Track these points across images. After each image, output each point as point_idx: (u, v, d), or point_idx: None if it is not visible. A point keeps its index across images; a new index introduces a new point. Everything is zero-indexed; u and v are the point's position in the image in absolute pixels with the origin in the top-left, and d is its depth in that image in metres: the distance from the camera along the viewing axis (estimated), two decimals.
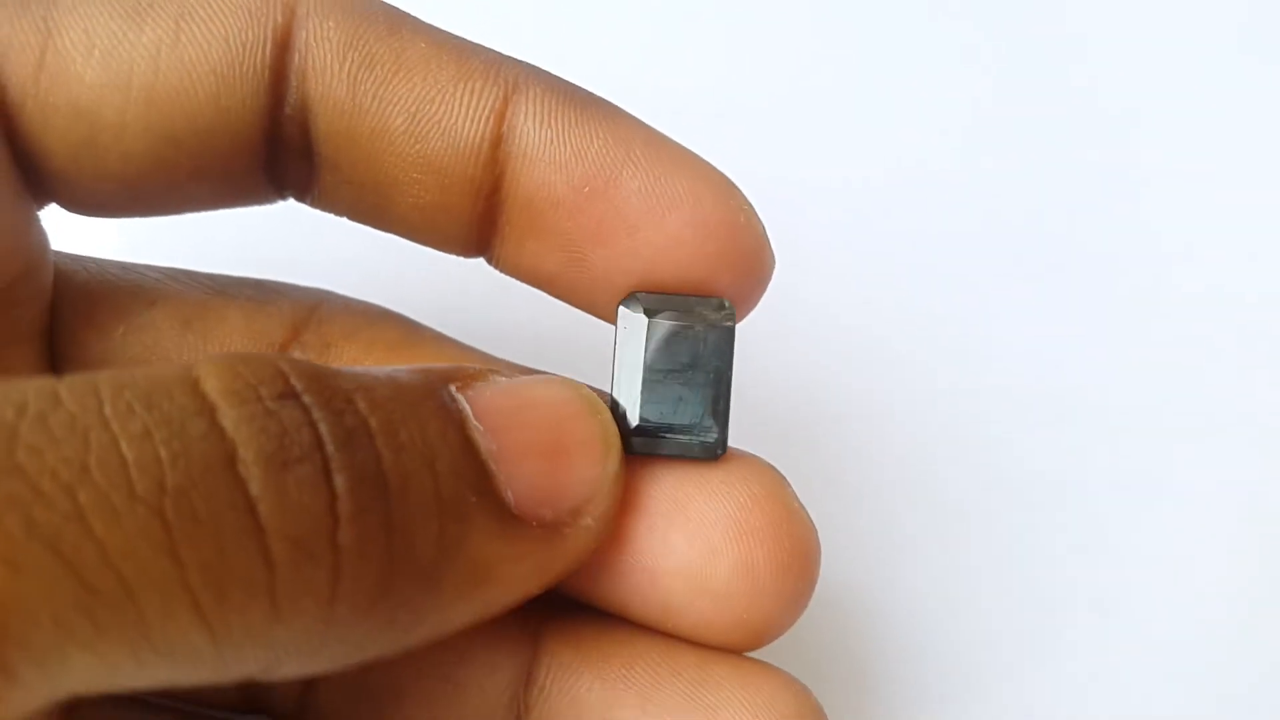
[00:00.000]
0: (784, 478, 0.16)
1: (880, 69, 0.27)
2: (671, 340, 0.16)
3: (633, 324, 0.16)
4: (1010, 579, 0.23)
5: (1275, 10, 0.27)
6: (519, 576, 0.14)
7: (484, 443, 0.13)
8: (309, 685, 0.17)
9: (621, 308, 0.16)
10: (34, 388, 0.11)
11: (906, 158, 0.26)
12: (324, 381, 0.12)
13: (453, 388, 0.14)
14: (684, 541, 0.16)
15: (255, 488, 0.11)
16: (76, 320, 0.17)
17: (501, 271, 0.17)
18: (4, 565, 0.10)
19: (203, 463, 0.11)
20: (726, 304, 0.16)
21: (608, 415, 0.15)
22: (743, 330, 0.17)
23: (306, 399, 0.12)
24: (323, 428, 0.12)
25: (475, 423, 0.14)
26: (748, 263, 0.16)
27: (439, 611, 0.13)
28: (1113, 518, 0.23)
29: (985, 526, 0.23)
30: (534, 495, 0.14)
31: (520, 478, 0.14)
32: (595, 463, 0.15)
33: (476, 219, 0.16)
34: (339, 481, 0.12)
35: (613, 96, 0.16)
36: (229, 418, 0.11)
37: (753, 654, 0.17)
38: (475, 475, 0.13)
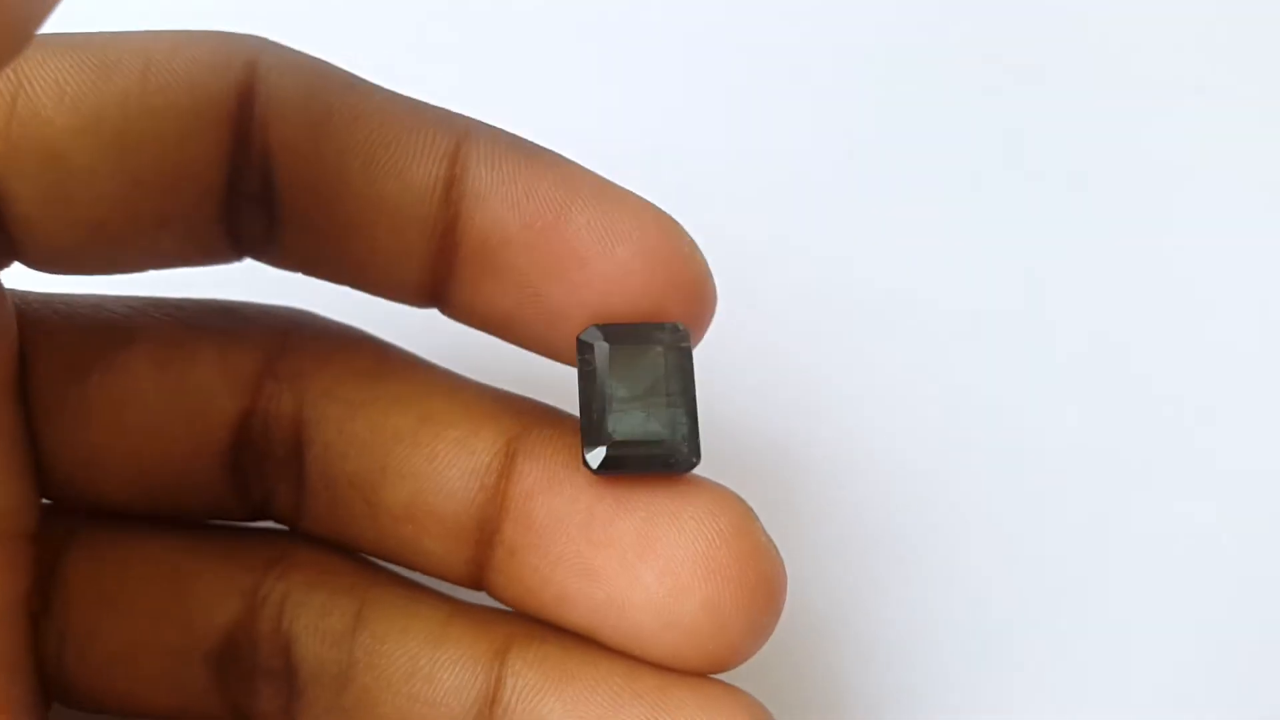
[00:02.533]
0: (752, 510, 0.17)
1: (846, 94, 0.27)
2: (632, 365, 0.16)
3: (592, 354, 0.16)
4: (978, 603, 0.23)
5: None
6: None
7: None
8: (291, 700, 0.18)
9: (580, 339, 0.16)
10: None
11: (879, 180, 0.26)
12: None
13: None
14: (653, 578, 0.16)
15: None
16: (51, 368, 0.17)
17: (456, 319, 0.18)
18: None
19: None
20: (681, 327, 0.17)
21: None
22: (709, 355, 0.18)
23: None
24: None
25: None
26: (694, 291, 0.17)
27: None
28: (1085, 551, 0.24)
29: (954, 553, 0.24)
30: None
31: None
32: None
33: (431, 261, 0.17)
34: None
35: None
36: None
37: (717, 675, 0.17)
38: None
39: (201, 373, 0.17)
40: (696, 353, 0.17)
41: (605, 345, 0.16)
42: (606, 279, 0.16)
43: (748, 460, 0.24)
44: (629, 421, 0.16)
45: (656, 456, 0.16)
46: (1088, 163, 0.27)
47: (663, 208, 0.17)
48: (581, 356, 0.16)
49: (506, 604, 0.18)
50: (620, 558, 0.16)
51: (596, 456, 0.16)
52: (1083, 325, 0.25)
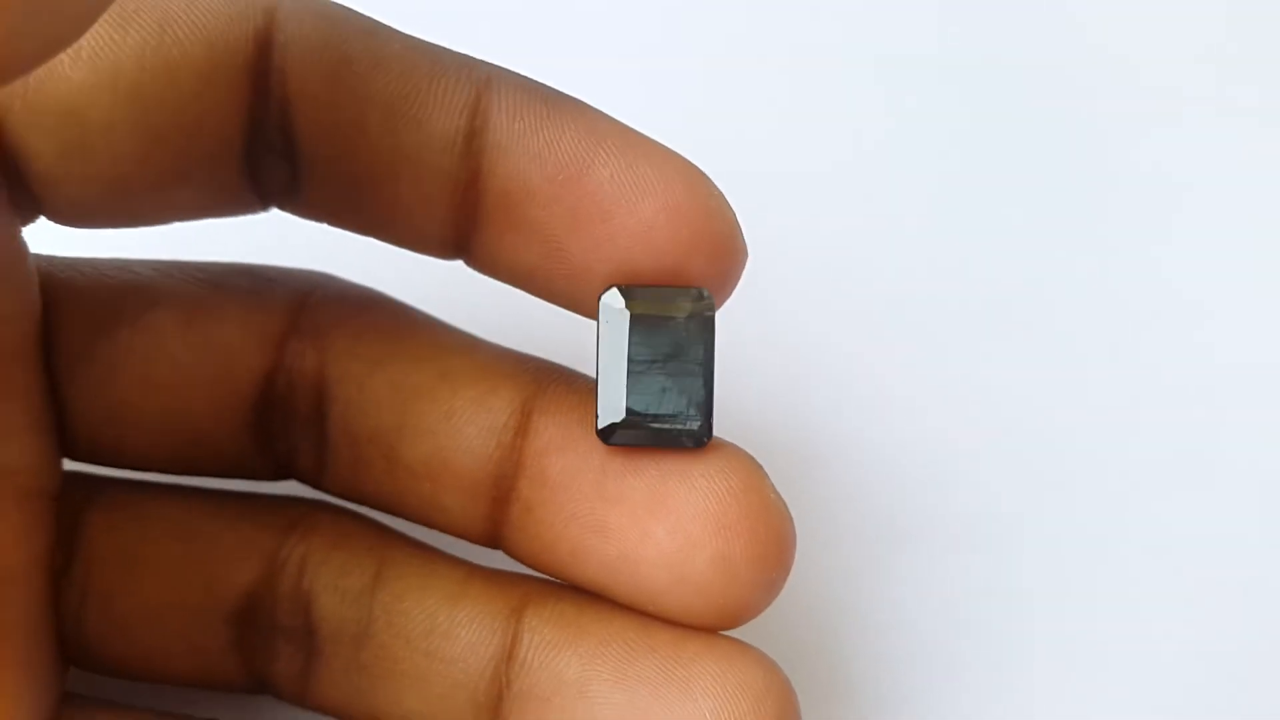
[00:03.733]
0: (762, 468, 0.17)
1: (875, 85, 0.27)
2: (653, 331, 0.16)
3: (614, 317, 0.16)
4: (987, 592, 0.24)
5: None
6: None
7: None
8: (308, 663, 0.18)
9: (602, 301, 0.16)
10: None
11: (902, 173, 0.27)
12: None
13: None
14: (664, 534, 0.16)
15: None
16: (78, 327, 0.17)
17: (481, 272, 0.18)
18: None
19: None
20: (705, 294, 0.16)
21: None
22: (729, 321, 0.18)
23: None
24: None
25: None
26: (720, 247, 0.16)
27: None
28: (1096, 545, 0.24)
29: (965, 543, 0.24)
30: None
31: None
32: None
33: (454, 214, 0.17)
34: None
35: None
36: None
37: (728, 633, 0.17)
38: None
39: (227, 330, 0.18)
40: (720, 322, 0.17)
41: (625, 311, 0.16)
42: (630, 234, 0.16)
43: (761, 438, 0.24)
44: (644, 394, 0.16)
45: (669, 432, 0.16)
46: (1098, 166, 0.27)
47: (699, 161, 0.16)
48: (601, 319, 0.16)
49: (522, 561, 0.18)
50: (632, 514, 0.17)
51: (609, 430, 0.16)
52: (1100, 326, 0.26)
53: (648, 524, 0.17)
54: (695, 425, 0.16)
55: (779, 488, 0.17)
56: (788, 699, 0.17)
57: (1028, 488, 0.24)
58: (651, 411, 0.16)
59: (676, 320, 0.16)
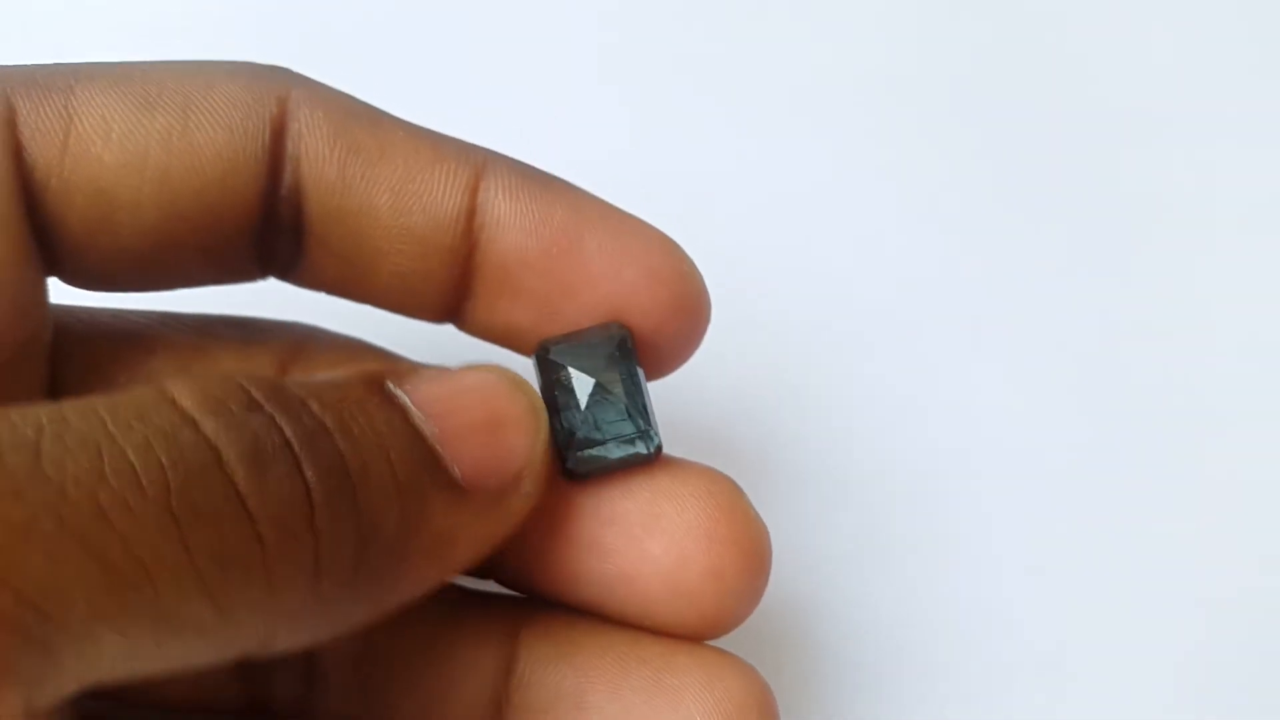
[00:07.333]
0: (740, 488, 0.19)
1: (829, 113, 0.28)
2: (582, 369, 0.18)
3: (546, 369, 0.18)
4: (964, 596, 0.25)
5: None
6: (473, 540, 0.16)
7: (426, 428, 0.15)
8: (309, 686, 0.19)
9: (535, 358, 0.18)
10: (44, 411, 0.12)
11: (889, 182, 0.28)
12: (280, 392, 0.14)
13: (389, 383, 0.16)
14: (660, 550, 0.18)
15: (241, 484, 0.13)
16: (80, 372, 0.18)
17: (470, 333, 0.19)
18: (44, 557, 0.11)
19: (196, 465, 0.13)
20: (615, 325, 0.18)
21: (533, 392, 0.17)
22: (707, 363, 0.20)
23: (269, 408, 0.14)
24: (287, 430, 0.14)
25: (416, 411, 0.15)
26: (692, 307, 0.18)
27: (407, 579, 0.16)
28: (1069, 558, 0.25)
29: (937, 546, 0.25)
30: (479, 468, 0.16)
31: (465, 454, 0.16)
32: (528, 433, 0.17)
33: (453, 285, 0.18)
34: (309, 474, 0.14)
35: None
36: (209, 427, 0.13)
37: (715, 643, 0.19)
38: (424, 457, 0.15)
39: None
40: (696, 364, 0.19)
41: (552, 360, 0.18)
42: (615, 298, 0.18)
43: (733, 459, 0.25)
44: (584, 426, 0.18)
45: (621, 456, 0.18)
46: (1076, 181, 0.28)
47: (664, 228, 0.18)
48: (537, 373, 0.18)
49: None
50: (629, 534, 0.18)
51: (570, 472, 0.18)
52: (1090, 334, 0.27)
53: (644, 542, 0.18)
54: (642, 443, 0.18)
55: (758, 500, 0.19)
56: (768, 704, 0.18)
57: (1010, 498, 0.25)
58: (598, 439, 0.18)
59: (598, 354, 0.18)
